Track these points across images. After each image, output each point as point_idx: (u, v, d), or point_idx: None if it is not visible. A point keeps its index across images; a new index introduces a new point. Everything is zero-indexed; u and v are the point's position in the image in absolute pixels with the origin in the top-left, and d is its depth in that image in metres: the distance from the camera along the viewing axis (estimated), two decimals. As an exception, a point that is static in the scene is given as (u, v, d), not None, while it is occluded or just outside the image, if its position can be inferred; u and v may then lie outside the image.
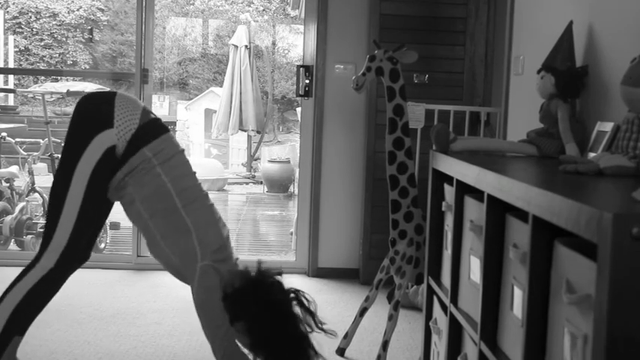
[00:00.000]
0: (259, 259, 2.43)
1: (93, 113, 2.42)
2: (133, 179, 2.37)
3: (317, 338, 2.36)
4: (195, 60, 15.54)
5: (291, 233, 5.52)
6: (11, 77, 12.92)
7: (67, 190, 2.34)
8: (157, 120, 2.49)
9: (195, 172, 2.50)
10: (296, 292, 2.35)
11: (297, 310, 2.33)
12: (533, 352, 1.42)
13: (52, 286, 2.40)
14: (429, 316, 2.39)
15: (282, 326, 2.28)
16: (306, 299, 2.35)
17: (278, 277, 2.36)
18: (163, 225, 2.37)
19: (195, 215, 2.37)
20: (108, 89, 8.81)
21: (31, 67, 14.97)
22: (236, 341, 2.34)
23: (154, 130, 2.43)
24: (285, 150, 10.20)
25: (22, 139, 6.31)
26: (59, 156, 4.94)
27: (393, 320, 2.92)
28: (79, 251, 2.41)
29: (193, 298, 2.35)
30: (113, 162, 2.35)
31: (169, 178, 2.37)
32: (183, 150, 2.50)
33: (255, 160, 10.98)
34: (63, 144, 2.44)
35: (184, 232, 2.35)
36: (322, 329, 2.35)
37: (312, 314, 2.34)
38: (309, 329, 2.33)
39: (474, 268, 1.87)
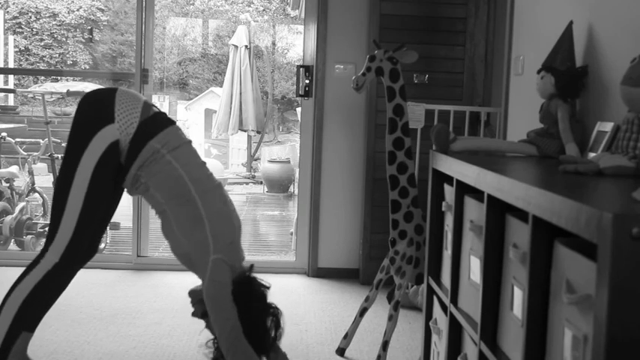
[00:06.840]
0: (252, 264, 2.48)
1: (94, 110, 2.46)
2: (145, 171, 2.42)
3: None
4: (195, 60, 15.53)
5: (291, 233, 5.52)
6: (11, 77, 12.92)
7: (71, 185, 2.38)
8: (161, 113, 2.53)
9: (205, 163, 2.54)
10: (276, 308, 2.45)
11: (268, 323, 2.43)
12: (533, 352, 1.42)
13: (58, 281, 2.43)
14: (429, 316, 2.39)
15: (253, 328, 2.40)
16: (279, 322, 2.45)
17: (264, 290, 2.45)
18: (178, 212, 2.41)
19: (209, 206, 2.41)
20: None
21: (31, 67, 14.97)
22: (242, 334, 2.37)
23: (158, 123, 2.47)
24: (285, 150, 10.20)
25: (22, 139, 6.32)
26: (59, 156, 4.99)
27: (393, 320, 2.92)
28: (83, 246, 2.44)
29: (204, 290, 2.39)
30: (117, 156, 2.40)
31: (180, 164, 2.42)
32: (190, 141, 2.54)
33: (255, 160, 10.97)
34: (66, 141, 2.47)
35: (198, 222, 2.38)
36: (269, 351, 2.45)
37: (275, 338, 2.45)
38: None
39: (474, 268, 1.87)
